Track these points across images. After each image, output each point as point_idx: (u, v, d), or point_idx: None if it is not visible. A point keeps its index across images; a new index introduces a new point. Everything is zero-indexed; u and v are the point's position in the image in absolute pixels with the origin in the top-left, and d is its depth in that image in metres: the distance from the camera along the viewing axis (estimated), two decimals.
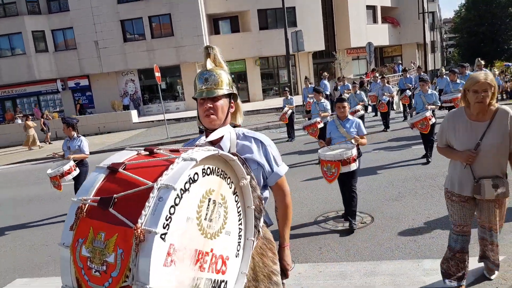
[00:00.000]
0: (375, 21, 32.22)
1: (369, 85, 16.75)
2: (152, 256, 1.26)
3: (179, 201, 1.38)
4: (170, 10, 24.33)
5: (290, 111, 12.09)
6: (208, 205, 1.54)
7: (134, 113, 22.55)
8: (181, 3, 23.99)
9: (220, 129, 2.00)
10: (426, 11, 32.76)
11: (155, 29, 25.10)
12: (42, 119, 20.42)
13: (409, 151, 9.09)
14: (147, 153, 1.64)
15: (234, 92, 2.12)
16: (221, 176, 1.63)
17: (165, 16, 24.65)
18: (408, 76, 15.42)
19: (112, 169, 1.52)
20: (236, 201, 1.74)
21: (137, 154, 1.64)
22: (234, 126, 2.15)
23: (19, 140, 21.78)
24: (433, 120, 7.66)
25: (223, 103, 2.02)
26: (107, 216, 1.38)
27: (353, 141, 5.14)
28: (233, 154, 1.85)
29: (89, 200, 1.44)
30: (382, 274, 3.86)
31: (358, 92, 11.78)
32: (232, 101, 2.12)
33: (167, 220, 1.32)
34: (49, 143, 19.81)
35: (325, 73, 18.59)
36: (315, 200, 6.45)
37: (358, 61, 32.34)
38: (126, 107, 24.94)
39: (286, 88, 14.05)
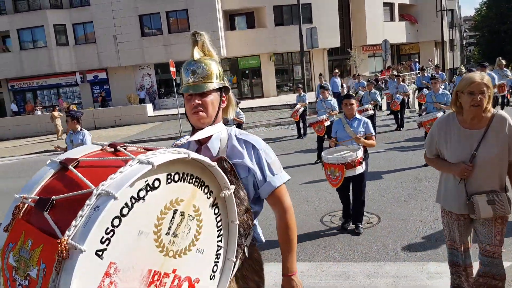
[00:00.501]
0: (392, 18, 31.83)
1: (384, 83, 16.64)
2: (76, 276, 1.03)
3: (128, 211, 1.16)
4: (187, 5, 24.51)
5: (302, 108, 12.11)
6: (173, 217, 1.31)
7: (149, 106, 22.86)
8: None
9: (209, 127, 1.74)
10: (445, 8, 32.17)
11: (172, 24, 25.32)
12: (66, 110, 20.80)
13: (422, 152, 9.04)
14: (112, 149, 1.41)
15: (226, 85, 1.85)
16: (196, 184, 1.40)
17: (182, 11, 24.84)
18: (426, 74, 15.26)
19: (64, 165, 1.30)
20: (216, 214, 1.50)
21: (100, 150, 1.42)
22: (226, 122, 1.98)
23: (38, 131, 22.35)
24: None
25: (213, 98, 1.75)
26: (41, 220, 1.16)
27: (355, 141, 4.90)
28: (220, 158, 1.67)
29: (29, 199, 1.24)
30: (385, 276, 3.89)
31: (373, 90, 11.64)
32: (223, 95, 1.84)
33: (107, 233, 1.11)
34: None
35: (336, 70, 18.55)
36: (322, 199, 6.51)
37: (374, 58, 32.03)
38: (142, 101, 25.27)
39: (300, 85, 14.09)
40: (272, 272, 4.27)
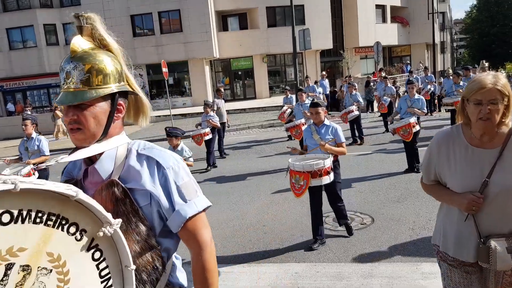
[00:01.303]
0: (384, 20, 32.07)
1: (375, 84, 16.73)
2: None
3: None
4: (180, 6, 24.41)
5: (289, 110, 12.11)
6: (5, 275, 0.95)
7: None
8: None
9: (95, 145, 1.31)
10: (436, 11, 32.48)
11: (164, 24, 25.19)
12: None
13: None
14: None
15: (127, 88, 1.39)
16: (50, 223, 1.02)
17: (175, 12, 24.72)
18: (414, 76, 15.35)
19: None
20: (96, 260, 1.13)
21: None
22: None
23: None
24: (417, 127, 7.27)
25: (97, 110, 1.29)
26: None
27: (320, 147, 4.60)
28: (110, 182, 1.27)
29: None
30: (379, 276, 3.89)
31: (354, 92, 11.36)
32: (122, 101, 1.37)
33: None
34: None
35: (324, 73, 18.71)
36: None
37: (366, 60, 32.21)
38: None
39: (287, 87, 14.11)
40: (266, 273, 4.23)
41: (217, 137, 10.52)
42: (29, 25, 24.90)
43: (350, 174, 7.70)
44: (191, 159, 6.09)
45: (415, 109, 7.46)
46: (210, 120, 9.78)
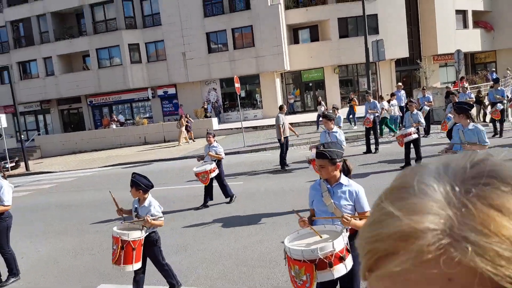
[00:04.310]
0: (465, 26, 30.07)
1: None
2: None
3: None
4: (252, 22, 25.10)
5: (373, 116, 12.04)
6: None
7: (214, 120, 23.58)
8: (263, 15, 24.64)
9: None
10: None
11: (237, 39, 26.05)
12: (186, 119, 21.81)
13: None
14: None
15: None
16: None
17: (247, 27, 25.49)
18: (499, 88, 13.78)
19: None
20: None
21: None
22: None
23: (113, 145, 23.98)
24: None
25: None
26: None
27: (342, 223, 3.12)
28: None
29: None
30: None
31: (415, 112, 9.80)
32: None
33: None
34: (193, 141, 21.37)
35: (399, 84, 17.90)
36: None
37: (446, 68, 30.41)
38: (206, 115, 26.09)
39: (368, 91, 13.73)
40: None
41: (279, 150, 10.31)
42: (115, 45, 27.17)
43: None
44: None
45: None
46: (213, 153, 8.49)
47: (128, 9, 27.39)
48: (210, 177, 8.12)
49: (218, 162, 8.51)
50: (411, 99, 11.05)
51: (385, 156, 11.29)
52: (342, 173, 3.39)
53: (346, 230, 3.08)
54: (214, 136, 8.72)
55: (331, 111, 11.03)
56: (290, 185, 9.48)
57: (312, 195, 3.46)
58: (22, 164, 20.32)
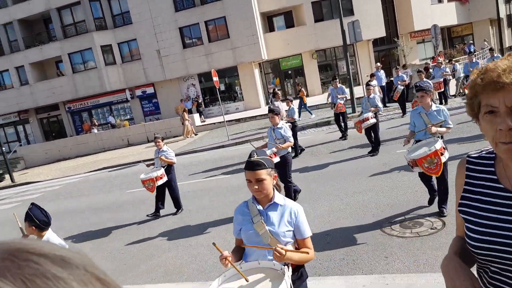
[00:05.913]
0: (440, 0, 30.07)
1: (432, 70, 15.54)
2: None
3: None
4: (225, 13, 24.63)
5: (342, 100, 11.97)
6: None
7: (196, 116, 23.19)
8: (235, 5, 24.18)
9: None
10: None
11: (212, 32, 25.57)
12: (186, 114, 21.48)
13: (481, 144, 8.28)
14: None
15: None
16: None
17: (220, 19, 25.01)
18: (474, 60, 13.70)
19: None
20: None
21: None
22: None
23: (96, 149, 23.48)
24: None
25: None
26: None
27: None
28: None
29: None
30: None
31: (372, 95, 9.28)
32: None
33: None
34: (195, 134, 21.12)
35: (378, 64, 17.77)
36: (380, 204, 6.08)
37: (424, 44, 30.40)
38: (189, 111, 25.62)
39: (336, 79, 13.37)
40: (333, 285, 3.96)
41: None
42: (87, 48, 26.46)
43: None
44: None
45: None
46: (163, 157, 7.76)
47: (97, 10, 26.62)
48: (156, 184, 7.47)
49: (169, 168, 7.87)
50: (369, 82, 10.35)
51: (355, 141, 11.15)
52: (275, 190, 2.54)
53: (288, 267, 2.23)
54: (162, 140, 7.92)
55: (288, 101, 11.31)
56: None
57: (239, 222, 2.55)
58: (7, 176, 19.78)
